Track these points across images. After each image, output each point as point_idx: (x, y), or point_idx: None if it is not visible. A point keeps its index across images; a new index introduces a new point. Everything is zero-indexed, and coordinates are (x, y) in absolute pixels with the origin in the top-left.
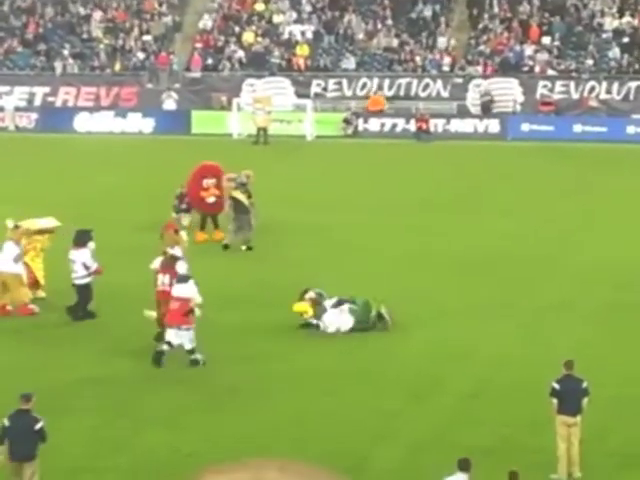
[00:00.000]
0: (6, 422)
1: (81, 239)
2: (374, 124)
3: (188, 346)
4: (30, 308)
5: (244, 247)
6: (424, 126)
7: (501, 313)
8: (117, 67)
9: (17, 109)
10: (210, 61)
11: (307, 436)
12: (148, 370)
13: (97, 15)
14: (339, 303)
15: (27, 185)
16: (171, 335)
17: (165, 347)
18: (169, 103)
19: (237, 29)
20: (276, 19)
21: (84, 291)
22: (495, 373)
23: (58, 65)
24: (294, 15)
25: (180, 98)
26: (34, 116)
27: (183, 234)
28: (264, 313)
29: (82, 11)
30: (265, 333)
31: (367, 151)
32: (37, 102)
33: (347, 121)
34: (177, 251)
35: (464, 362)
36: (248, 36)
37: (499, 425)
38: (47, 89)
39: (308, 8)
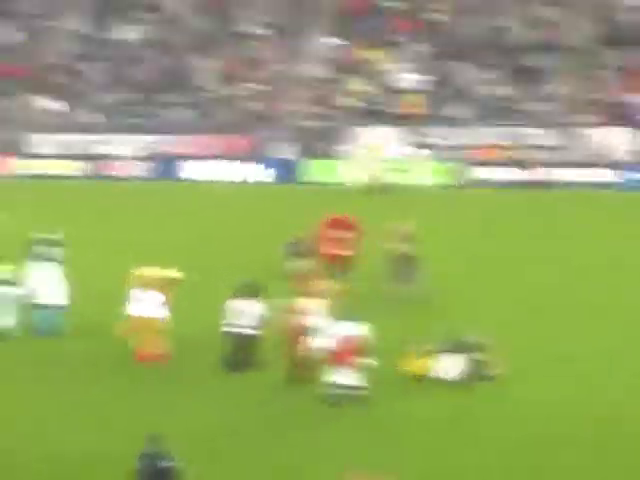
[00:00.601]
0: (138, 464)
1: (252, 290)
2: (488, 173)
3: (356, 382)
4: (161, 355)
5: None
6: (537, 175)
7: None
8: (229, 116)
9: (132, 158)
10: (322, 109)
11: None
12: (277, 417)
13: (209, 64)
14: (444, 350)
15: (142, 233)
16: (340, 374)
17: (334, 390)
18: (282, 151)
19: (348, 77)
20: (387, 67)
21: (251, 342)
22: None
23: (171, 114)
24: (406, 64)
25: (292, 147)
26: (147, 165)
27: (326, 284)
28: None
29: (194, 60)
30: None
31: (481, 201)
32: (149, 151)
33: (462, 171)
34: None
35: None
36: (359, 84)
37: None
38: (160, 138)
39: (421, 56)
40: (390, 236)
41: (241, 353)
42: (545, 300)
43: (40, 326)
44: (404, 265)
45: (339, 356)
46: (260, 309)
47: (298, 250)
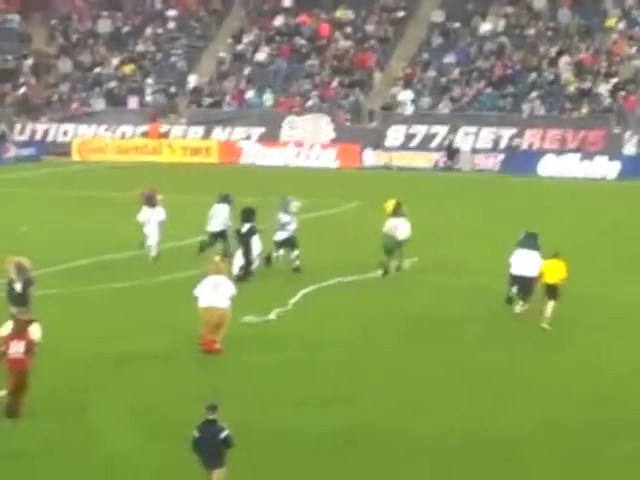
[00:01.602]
0: (196, 433)
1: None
2: None
3: None
4: None
5: None
6: None
7: None
8: (584, 110)
9: (474, 151)
10: None
11: None
12: (606, 418)
13: (565, 57)
14: None
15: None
16: None
17: None
18: (629, 147)
19: None
20: None
21: None
22: None
23: (525, 107)
24: None
25: None
26: (499, 158)
27: None
28: None
29: (549, 53)
30: None
31: None
32: (503, 144)
33: None
34: None
35: None
36: None
37: None
38: (513, 131)
39: None
40: None
41: None
42: None
43: None
44: None
45: None
46: None
47: None
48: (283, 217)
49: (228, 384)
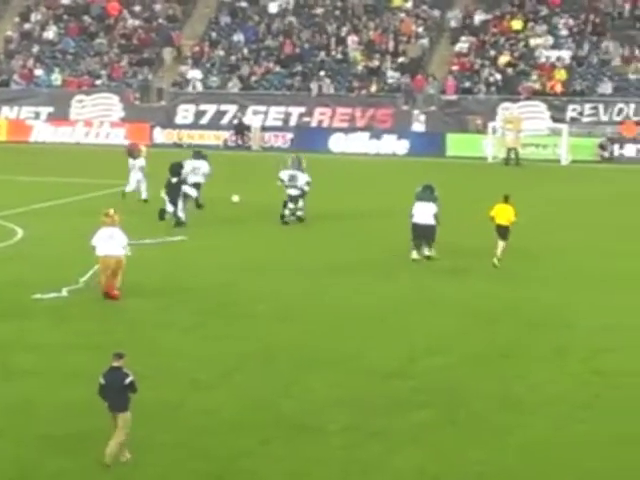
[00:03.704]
0: (101, 380)
1: None
2: (630, 150)
3: None
4: None
5: None
6: None
7: None
8: (373, 88)
9: (264, 129)
10: (466, 84)
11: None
12: (394, 392)
13: (353, 36)
14: None
15: None
16: None
17: None
18: (417, 125)
19: (493, 52)
20: (532, 42)
21: None
22: None
23: (314, 86)
24: (550, 39)
25: (435, 121)
26: (289, 136)
27: None
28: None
29: (338, 32)
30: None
31: (622, 177)
32: (292, 122)
33: (602, 146)
34: None
35: None
36: (504, 59)
37: None
38: (302, 109)
39: (565, 32)
40: None
41: None
42: None
43: None
44: None
45: None
46: None
47: None
48: (300, 175)
49: (16, 361)
